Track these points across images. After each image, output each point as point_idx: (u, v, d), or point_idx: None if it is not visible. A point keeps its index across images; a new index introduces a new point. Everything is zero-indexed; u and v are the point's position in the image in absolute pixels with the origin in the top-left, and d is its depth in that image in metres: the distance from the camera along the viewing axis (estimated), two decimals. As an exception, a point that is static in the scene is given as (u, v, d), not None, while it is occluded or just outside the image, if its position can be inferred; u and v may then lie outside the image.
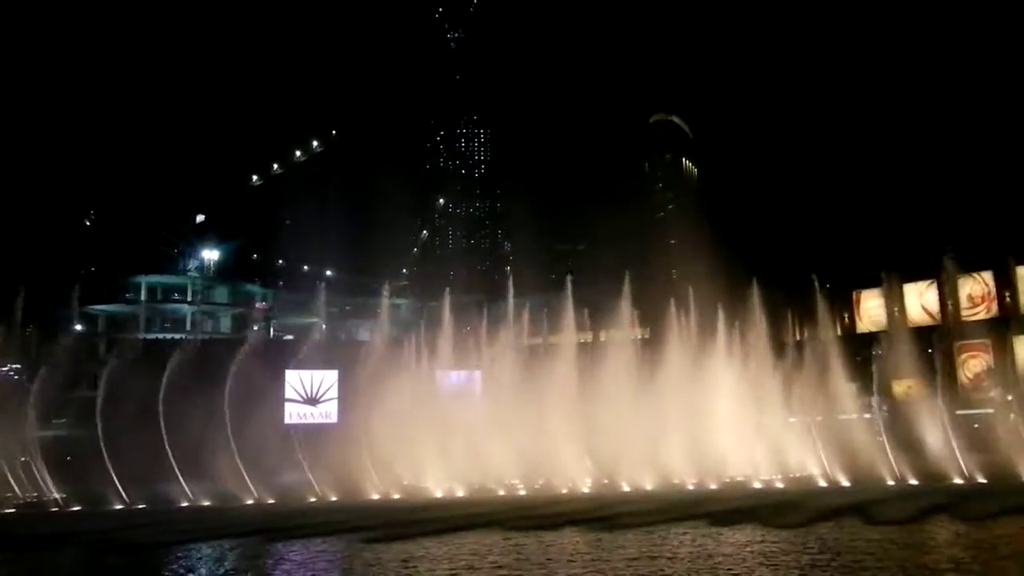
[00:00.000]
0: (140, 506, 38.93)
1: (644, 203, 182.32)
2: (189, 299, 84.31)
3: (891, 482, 40.83)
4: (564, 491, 41.19)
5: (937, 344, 53.40)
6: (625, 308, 53.68)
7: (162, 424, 41.80)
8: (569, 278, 55.58)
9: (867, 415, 49.03)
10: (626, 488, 41.36)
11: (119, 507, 38.78)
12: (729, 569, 20.09)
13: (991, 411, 52.23)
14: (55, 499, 40.48)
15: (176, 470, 40.69)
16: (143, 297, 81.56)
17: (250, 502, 39.88)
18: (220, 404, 43.15)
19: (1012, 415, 46.03)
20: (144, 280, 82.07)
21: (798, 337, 66.38)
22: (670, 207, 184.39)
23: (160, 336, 75.25)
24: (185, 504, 39.56)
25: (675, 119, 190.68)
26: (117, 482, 39.64)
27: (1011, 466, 40.00)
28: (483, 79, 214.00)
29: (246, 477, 41.01)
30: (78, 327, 73.48)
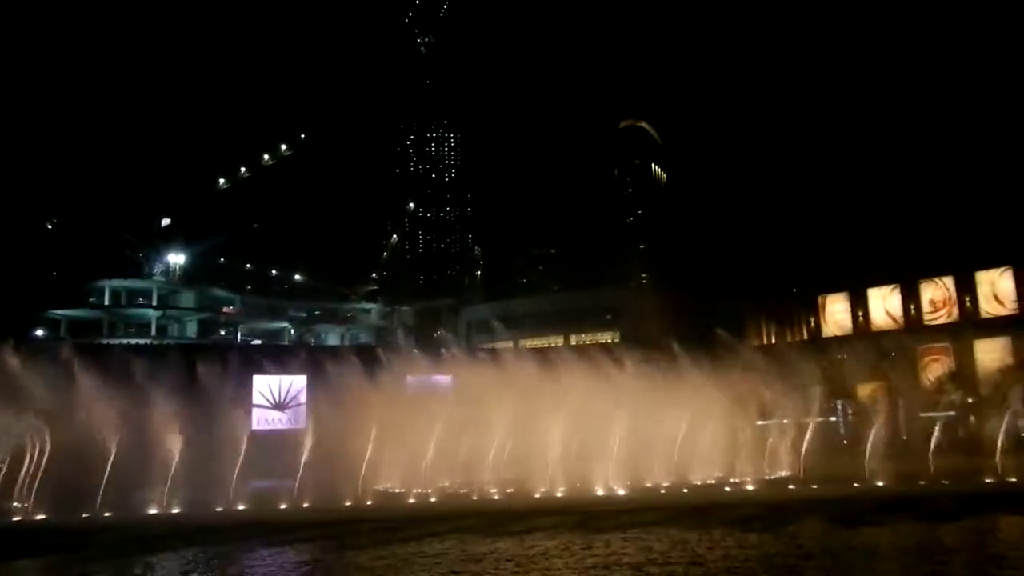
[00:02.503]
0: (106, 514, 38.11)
1: (614, 208, 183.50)
2: (154, 304, 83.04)
3: (856, 484, 41.51)
4: (537, 495, 41.18)
5: (899, 348, 54.42)
6: (595, 312, 54.04)
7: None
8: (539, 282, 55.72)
9: (832, 418, 49.76)
10: (599, 492, 41.45)
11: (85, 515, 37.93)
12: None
13: (952, 414, 53.35)
14: (15, 507, 39.43)
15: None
16: (107, 302, 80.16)
17: (219, 509, 39.24)
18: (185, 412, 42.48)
19: (972, 417, 47.08)
20: (108, 284, 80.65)
21: (765, 340, 67.14)
22: (639, 212, 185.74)
23: (124, 341, 73.98)
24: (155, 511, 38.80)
25: (644, 125, 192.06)
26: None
27: (973, 468, 40.93)
28: (453, 84, 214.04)
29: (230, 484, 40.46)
30: (39, 332, 71.94)
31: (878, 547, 23.35)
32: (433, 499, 39.52)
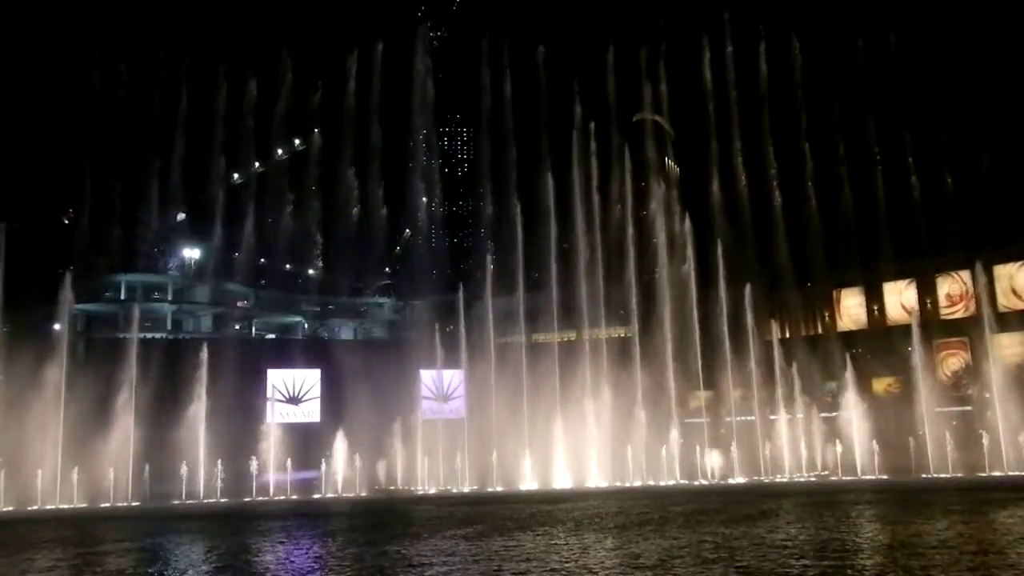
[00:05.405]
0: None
1: (626, 202, 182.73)
2: (169, 298, 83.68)
3: (869, 476, 41.64)
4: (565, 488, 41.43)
5: (916, 342, 54.02)
6: (608, 307, 54.07)
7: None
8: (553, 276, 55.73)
9: (847, 413, 49.54)
10: (619, 485, 41.59)
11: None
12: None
13: (969, 408, 53.13)
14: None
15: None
16: (123, 296, 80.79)
17: (223, 500, 39.67)
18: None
19: (989, 412, 46.74)
20: (124, 279, 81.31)
21: (780, 335, 66.81)
22: (652, 206, 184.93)
23: (140, 336, 74.45)
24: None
25: (658, 118, 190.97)
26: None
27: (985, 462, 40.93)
28: (466, 78, 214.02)
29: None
30: (56, 327, 72.54)
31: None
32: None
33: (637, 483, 42.97)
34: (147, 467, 41.01)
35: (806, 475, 44.29)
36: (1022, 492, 31.71)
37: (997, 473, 40.65)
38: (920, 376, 46.32)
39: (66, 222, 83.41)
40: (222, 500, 40.14)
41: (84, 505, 38.83)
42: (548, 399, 47.20)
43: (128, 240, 77.50)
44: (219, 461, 41.66)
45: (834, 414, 48.18)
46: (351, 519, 31.08)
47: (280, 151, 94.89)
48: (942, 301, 65.58)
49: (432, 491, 43.05)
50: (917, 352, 48.44)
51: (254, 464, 42.59)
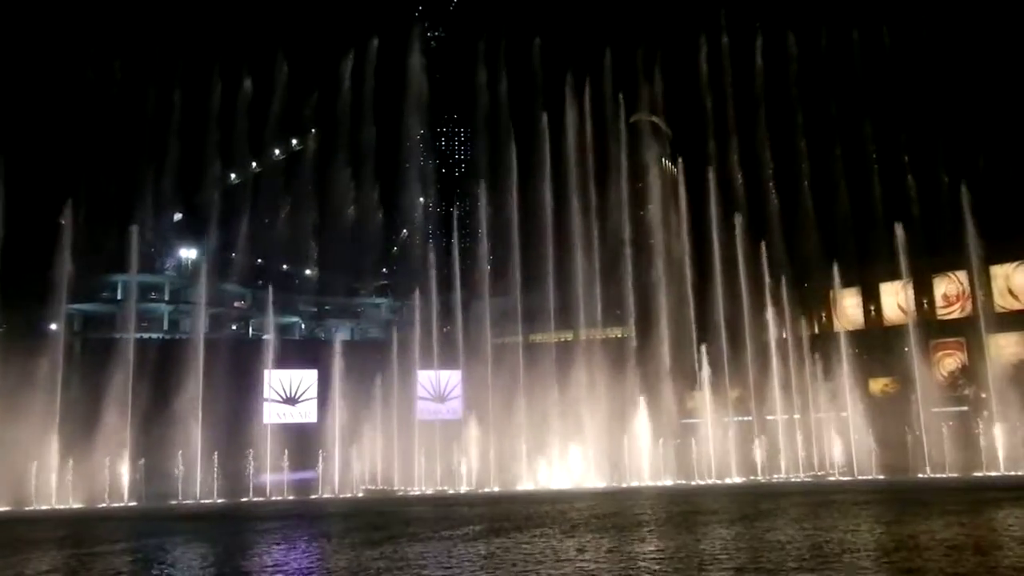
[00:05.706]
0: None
1: (623, 201, 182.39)
2: (166, 299, 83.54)
3: (867, 476, 41.75)
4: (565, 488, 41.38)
5: (912, 343, 54.09)
6: (604, 307, 54.15)
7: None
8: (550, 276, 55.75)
9: (843, 413, 49.62)
10: (615, 485, 41.54)
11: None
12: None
13: (965, 408, 53.22)
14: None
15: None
16: (119, 296, 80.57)
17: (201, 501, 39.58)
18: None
19: (985, 412, 46.88)
20: (120, 279, 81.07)
21: (776, 335, 66.82)
22: (650, 206, 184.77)
23: (137, 336, 74.19)
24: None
25: (655, 118, 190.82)
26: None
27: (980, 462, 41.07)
28: (463, 78, 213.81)
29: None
30: (53, 327, 72.33)
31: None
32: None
33: (635, 483, 43.04)
34: (143, 467, 40.98)
35: (803, 475, 44.44)
36: (1018, 492, 31.79)
37: (993, 473, 40.80)
38: (917, 376, 46.41)
39: (62, 222, 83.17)
40: (219, 500, 40.10)
41: (81, 505, 38.77)
42: (545, 399, 47.23)
43: (124, 240, 77.22)
44: (215, 461, 41.64)
45: (831, 414, 48.24)
46: (347, 520, 31.01)
47: (277, 151, 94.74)
48: (939, 301, 65.69)
49: (429, 491, 43.10)
50: (913, 352, 48.54)
51: (251, 464, 42.55)
